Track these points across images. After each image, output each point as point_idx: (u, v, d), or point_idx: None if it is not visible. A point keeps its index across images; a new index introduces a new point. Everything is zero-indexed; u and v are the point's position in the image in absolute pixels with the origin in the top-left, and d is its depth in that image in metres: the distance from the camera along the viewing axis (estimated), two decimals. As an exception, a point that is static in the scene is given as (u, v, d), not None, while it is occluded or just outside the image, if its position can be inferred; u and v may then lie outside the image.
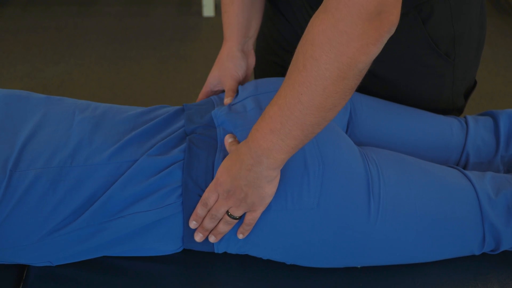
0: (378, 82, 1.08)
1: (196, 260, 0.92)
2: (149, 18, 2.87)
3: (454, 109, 1.14)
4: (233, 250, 0.89)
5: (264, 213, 0.83)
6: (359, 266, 0.90)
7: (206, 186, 0.84)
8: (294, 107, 0.72)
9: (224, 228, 0.85)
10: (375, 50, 0.69)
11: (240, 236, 0.85)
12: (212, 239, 0.86)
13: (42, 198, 0.83)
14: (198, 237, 0.86)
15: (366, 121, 1.03)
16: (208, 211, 0.84)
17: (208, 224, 0.85)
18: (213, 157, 0.86)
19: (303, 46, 0.71)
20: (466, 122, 1.06)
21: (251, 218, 0.83)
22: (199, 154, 0.86)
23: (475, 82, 1.17)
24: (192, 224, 0.85)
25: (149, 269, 0.91)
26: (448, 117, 1.09)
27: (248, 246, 0.87)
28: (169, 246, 0.89)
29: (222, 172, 0.82)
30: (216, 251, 0.89)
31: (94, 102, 1.00)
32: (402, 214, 0.85)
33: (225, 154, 0.86)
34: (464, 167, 1.04)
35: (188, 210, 0.85)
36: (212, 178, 0.84)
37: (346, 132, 1.03)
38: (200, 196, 0.84)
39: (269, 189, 0.81)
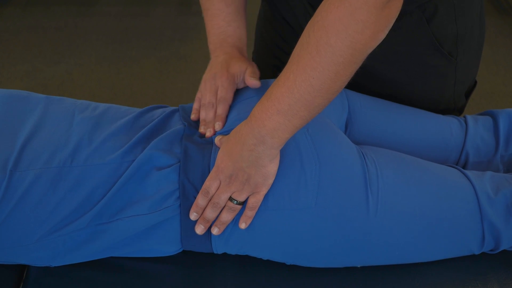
0: (381, 83, 1.08)
1: (196, 260, 0.92)
2: (149, 18, 2.87)
3: (455, 109, 1.14)
4: (233, 251, 0.89)
5: (262, 214, 0.83)
6: (359, 266, 0.90)
7: None
8: (304, 90, 0.74)
9: (227, 216, 0.84)
10: (383, 36, 0.72)
11: (243, 226, 0.84)
12: (215, 231, 0.85)
13: (42, 198, 0.83)
14: (200, 229, 0.85)
15: (365, 121, 1.03)
16: (210, 200, 0.84)
17: (210, 214, 0.84)
18: (209, 159, 0.85)
19: (317, 31, 0.72)
20: (466, 122, 1.06)
21: (255, 201, 0.83)
22: (194, 156, 0.86)
23: (475, 82, 1.17)
24: (193, 216, 0.84)
25: (149, 269, 0.91)
26: (448, 116, 1.09)
27: (247, 246, 0.87)
28: (168, 247, 0.90)
29: (223, 158, 0.82)
30: (215, 252, 0.89)
31: (94, 102, 1.00)
32: (401, 213, 0.85)
33: None
34: (464, 167, 1.04)
35: (185, 212, 0.85)
36: None
37: (345, 132, 1.03)
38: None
39: (271, 168, 0.82)
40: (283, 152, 0.84)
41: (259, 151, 0.79)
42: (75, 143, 0.88)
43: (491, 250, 0.92)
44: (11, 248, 0.85)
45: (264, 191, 0.83)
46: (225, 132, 0.90)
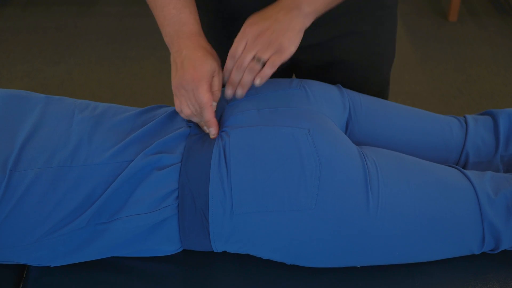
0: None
1: (196, 260, 0.92)
2: (149, 18, 2.85)
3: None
4: (233, 249, 0.89)
5: (262, 215, 0.83)
6: (359, 266, 0.90)
7: (202, 189, 0.84)
8: None
9: (248, 77, 0.87)
10: None
11: (258, 82, 0.86)
12: (239, 92, 0.88)
13: (42, 198, 0.83)
14: (229, 91, 0.89)
15: (366, 121, 1.03)
16: (236, 62, 0.86)
17: (236, 76, 0.87)
18: (209, 158, 0.85)
19: None
20: (466, 122, 1.06)
21: (276, 58, 0.85)
22: (196, 157, 0.86)
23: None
24: (225, 79, 0.88)
25: (149, 269, 0.91)
26: (448, 116, 1.09)
27: (247, 246, 0.87)
28: (168, 247, 0.90)
29: (253, 18, 0.87)
30: (215, 250, 0.89)
31: (94, 102, 1.00)
32: (401, 214, 0.85)
33: (220, 155, 0.85)
34: (464, 167, 1.04)
35: (183, 212, 0.85)
36: (208, 181, 0.84)
37: (346, 132, 1.03)
38: (195, 200, 0.84)
39: (298, 36, 0.86)
40: (283, 153, 0.84)
41: (294, 15, 0.85)
42: (75, 143, 0.88)
43: (491, 250, 0.92)
44: (11, 248, 0.85)
45: (287, 54, 0.85)
46: (226, 129, 0.89)
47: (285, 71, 1.19)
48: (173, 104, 1.02)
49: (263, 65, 0.86)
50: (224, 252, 0.90)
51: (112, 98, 2.29)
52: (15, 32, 2.79)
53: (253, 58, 0.86)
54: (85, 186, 0.84)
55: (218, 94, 0.91)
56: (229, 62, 0.88)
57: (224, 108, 0.95)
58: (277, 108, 0.91)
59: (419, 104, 2.27)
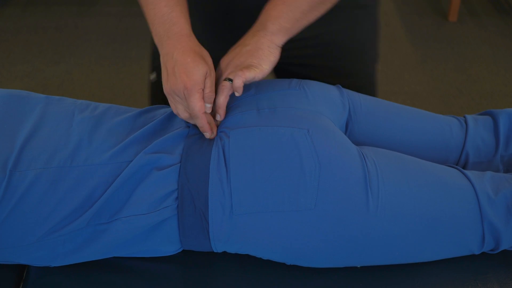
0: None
1: (196, 260, 0.92)
2: (149, 18, 2.86)
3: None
4: (232, 249, 0.89)
5: (261, 215, 0.83)
6: (359, 266, 0.90)
7: (202, 190, 0.84)
8: None
9: (220, 98, 0.90)
10: None
11: (237, 94, 0.89)
12: (218, 117, 0.91)
13: (42, 198, 0.83)
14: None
15: (365, 121, 1.03)
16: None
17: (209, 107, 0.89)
18: (208, 159, 0.85)
19: None
20: (466, 122, 1.06)
21: (245, 71, 0.87)
22: (195, 157, 0.86)
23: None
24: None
25: (149, 269, 0.91)
26: (448, 116, 1.09)
27: (247, 246, 0.87)
28: (168, 247, 0.90)
29: (228, 53, 0.92)
30: (215, 250, 0.89)
31: (94, 102, 1.00)
32: (401, 214, 0.85)
33: (219, 155, 0.85)
34: (464, 167, 1.04)
35: (183, 213, 0.85)
36: (208, 182, 0.84)
37: (345, 132, 1.03)
38: (195, 200, 0.84)
39: (268, 55, 0.89)
40: (282, 153, 0.84)
41: (260, 35, 0.89)
42: (75, 143, 0.88)
43: (491, 250, 0.92)
44: (11, 248, 0.85)
45: (259, 71, 0.88)
46: (225, 130, 0.89)
47: None
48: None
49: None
50: (224, 252, 0.90)
51: (112, 98, 2.29)
52: (15, 32, 2.79)
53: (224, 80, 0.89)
54: (85, 187, 0.84)
55: (211, 95, 0.90)
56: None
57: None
58: (276, 108, 0.91)
59: (419, 104, 2.27)
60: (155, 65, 1.18)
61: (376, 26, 1.20)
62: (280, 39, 0.92)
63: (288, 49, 1.10)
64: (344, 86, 1.07)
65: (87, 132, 0.90)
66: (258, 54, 0.89)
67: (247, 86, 0.99)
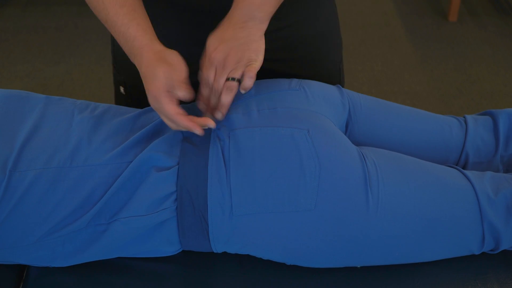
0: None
1: (196, 260, 0.92)
2: (149, 18, 2.86)
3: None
4: (233, 250, 0.89)
5: (261, 216, 0.83)
6: (359, 266, 0.90)
7: (200, 191, 0.84)
8: None
9: (227, 97, 0.87)
10: None
11: (243, 92, 0.87)
12: (219, 116, 0.88)
13: (42, 198, 0.83)
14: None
15: (365, 121, 1.03)
16: (212, 89, 0.87)
17: (214, 101, 0.88)
18: (207, 161, 0.85)
19: None
20: (466, 122, 1.06)
21: (251, 69, 0.86)
22: (193, 158, 0.86)
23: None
24: (201, 105, 0.89)
25: (149, 269, 0.91)
26: (448, 116, 1.09)
27: (247, 246, 0.87)
28: (168, 248, 0.89)
29: (214, 45, 0.87)
30: (214, 251, 0.89)
31: (93, 102, 1.00)
32: (401, 214, 0.85)
33: (218, 156, 0.85)
34: (464, 167, 1.04)
35: (182, 214, 0.84)
36: (206, 183, 0.84)
37: (345, 133, 1.03)
38: (194, 202, 0.84)
39: (261, 43, 0.89)
40: (282, 153, 0.84)
41: (250, 26, 0.87)
42: (75, 143, 0.88)
43: (491, 250, 0.92)
44: (11, 248, 0.85)
45: (258, 63, 0.87)
46: (225, 130, 0.89)
47: None
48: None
49: (238, 81, 0.87)
50: (224, 252, 0.90)
51: (112, 98, 2.28)
52: (15, 32, 2.79)
53: (227, 79, 0.87)
54: (85, 187, 0.84)
55: (184, 89, 0.85)
56: (204, 90, 0.90)
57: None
58: (276, 108, 0.91)
59: (419, 104, 2.27)
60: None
61: (335, 13, 1.20)
62: (266, 25, 0.91)
63: None
64: (311, 76, 1.06)
65: (86, 133, 0.90)
66: (254, 47, 0.88)
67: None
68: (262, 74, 0.95)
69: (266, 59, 1.01)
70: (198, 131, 0.84)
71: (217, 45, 0.86)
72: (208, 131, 0.89)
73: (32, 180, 0.83)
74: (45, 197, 0.83)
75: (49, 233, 0.83)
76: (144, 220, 0.84)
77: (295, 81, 0.99)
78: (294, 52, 1.13)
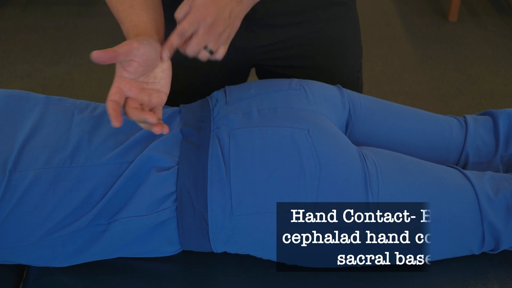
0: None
1: (196, 260, 0.92)
2: (149, 18, 2.86)
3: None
4: (233, 250, 0.89)
5: (261, 216, 0.83)
6: (359, 266, 0.90)
7: (200, 191, 0.84)
8: None
9: (191, 56, 0.82)
10: None
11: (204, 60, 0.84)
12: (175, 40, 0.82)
13: (42, 198, 0.83)
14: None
15: (365, 121, 1.03)
16: (184, 45, 0.81)
17: (176, 46, 0.82)
18: (206, 161, 0.85)
19: None
20: (466, 122, 1.06)
21: (223, 52, 0.84)
22: (192, 158, 0.86)
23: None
24: (165, 54, 0.82)
25: (149, 269, 0.91)
26: (448, 116, 1.09)
27: (247, 247, 0.87)
28: (168, 248, 0.89)
29: (207, 4, 0.79)
30: (215, 251, 0.89)
31: (94, 102, 1.00)
32: (402, 214, 0.85)
33: (218, 156, 0.85)
34: (464, 167, 1.04)
35: (182, 214, 0.84)
36: (206, 183, 0.84)
37: (345, 132, 1.03)
38: (193, 202, 0.84)
39: (239, 23, 0.85)
40: (283, 153, 0.84)
41: (245, 4, 0.84)
42: (75, 143, 0.88)
43: (491, 250, 0.92)
44: (11, 248, 0.85)
45: (230, 39, 0.85)
46: (225, 130, 0.89)
47: (244, 72, 1.20)
48: (172, 105, 1.02)
49: (210, 53, 0.83)
50: (224, 252, 0.90)
51: (112, 98, 2.28)
52: (15, 32, 2.79)
53: (204, 47, 0.83)
54: (85, 187, 0.84)
55: (132, 65, 0.85)
56: (175, 39, 0.81)
57: (223, 107, 0.95)
58: (276, 108, 0.91)
59: (419, 104, 2.27)
60: None
61: (356, 22, 1.19)
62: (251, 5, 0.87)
63: (272, 50, 1.09)
64: (330, 84, 1.06)
65: (86, 133, 0.90)
66: (235, 24, 0.84)
67: (247, 86, 0.99)
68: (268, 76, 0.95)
69: (284, 66, 1.01)
70: (116, 121, 0.76)
71: (211, 6, 0.80)
72: (208, 131, 0.90)
73: (32, 180, 0.83)
74: (45, 197, 0.83)
75: (49, 233, 0.83)
76: (144, 220, 0.84)
77: (295, 81, 0.99)
78: (315, 60, 1.14)
